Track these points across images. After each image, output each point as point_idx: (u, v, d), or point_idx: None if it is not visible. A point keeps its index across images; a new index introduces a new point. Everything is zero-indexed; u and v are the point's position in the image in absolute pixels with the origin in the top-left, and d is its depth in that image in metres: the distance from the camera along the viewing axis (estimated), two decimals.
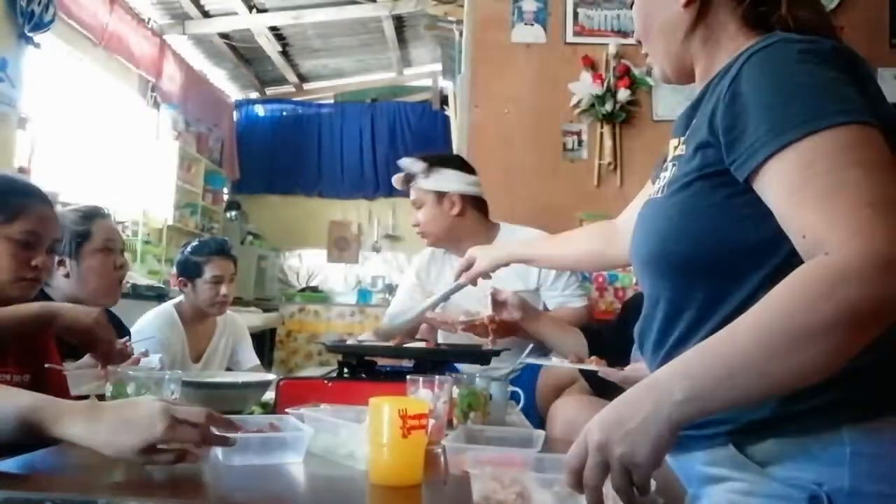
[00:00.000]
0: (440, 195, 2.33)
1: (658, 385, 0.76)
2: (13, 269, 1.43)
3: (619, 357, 1.70)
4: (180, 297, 2.58)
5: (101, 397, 1.37)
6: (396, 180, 2.43)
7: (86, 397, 1.31)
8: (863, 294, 0.69)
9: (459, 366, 1.93)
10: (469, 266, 1.73)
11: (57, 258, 1.88)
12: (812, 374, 0.72)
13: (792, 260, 0.81)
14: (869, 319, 0.70)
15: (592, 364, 1.62)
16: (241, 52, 6.42)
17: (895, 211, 0.72)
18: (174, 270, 2.70)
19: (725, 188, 0.86)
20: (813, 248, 0.75)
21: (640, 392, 0.76)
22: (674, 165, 0.95)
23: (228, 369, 2.64)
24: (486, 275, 1.74)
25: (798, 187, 0.77)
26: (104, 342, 1.41)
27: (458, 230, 2.34)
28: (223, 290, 2.50)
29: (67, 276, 1.88)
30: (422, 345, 1.87)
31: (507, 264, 1.72)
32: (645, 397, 0.75)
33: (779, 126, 0.79)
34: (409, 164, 2.35)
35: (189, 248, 2.58)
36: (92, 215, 1.97)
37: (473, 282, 1.76)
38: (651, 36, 1.03)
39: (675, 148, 0.98)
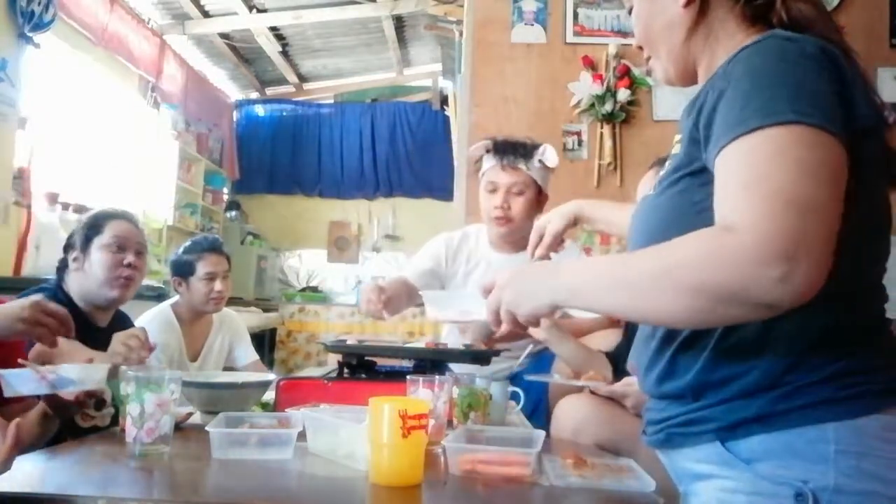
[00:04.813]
0: (541, 192, 2.22)
1: (559, 270, 0.91)
2: None
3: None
4: (176, 297, 2.58)
5: (57, 403, 1.29)
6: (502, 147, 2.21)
7: (24, 400, 1.26)
8: (735, 276, 0.73)
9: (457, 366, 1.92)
10: (540, 237, 1.53)
11: (72, 254, 1.93)
12: (665, 320, 0.83)
13: None
14: (734, 300, 0.74)
15: (583, 380, 1.62)
16: (241, 52, 6.41)
17: (809, 216, 0.73)
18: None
19: (710, 185, 0.86)
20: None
21: (546, 269, 0.94)
22: (670, 163, 0.97)
23: (227, 368, 2.64)
24: (560, 240, 1.56)
25: (731, 175, 0.79)
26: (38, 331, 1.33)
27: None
28: (217, 286, 2.50)
29: (78, 270, 1.92)
30: (422, 345, 1.87)
31: (575, 223, 1.55)
32: (545, 274, 0.93)
33: (736, 120, 0.80)
34: (552, 157, 2.20)
35: (181, 248, 2.61)
36: (108, 215, 2.00)
37: (547, 255, 1.57)
38: (652, 39, 1.03)
39: (675, 145, 1.00)
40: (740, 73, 0.84)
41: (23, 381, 1.21)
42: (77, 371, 1.25)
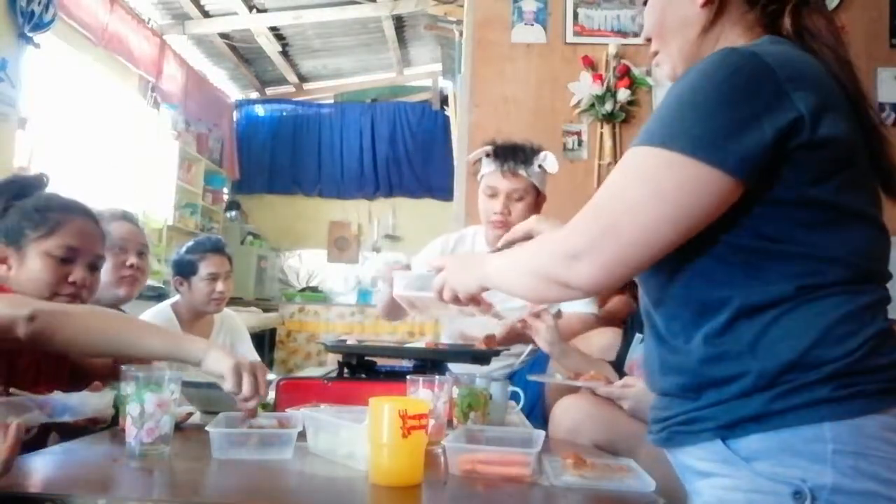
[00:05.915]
0: (539, 194, 2.21)
1: (484, 261, 1.13)
2: (50, 285, 1.41)
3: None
4: (177, 297, 2.58)
5: (63, 428, 1.25)
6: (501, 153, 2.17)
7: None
8: (549, 265, 0.92)
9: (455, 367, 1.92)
10: (527, 237, 1.34)
11: None
12: (524, 295, 1.08)
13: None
14: (550, 281, 0.93)
15: (582, 380, 1.62)
16: (241, 52, 6.41)
17: (607, 228, 0.86)
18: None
19: None
20: None
21: (477, 259, 1.18)
22: None
23: None
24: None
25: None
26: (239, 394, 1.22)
27: None
28: (219, 286, 2.50)
29: None
30: (422, 345, 1.87)
31: None
32: (476, 262, 1.14)
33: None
34: (553, 164, 2.18)
35: (184, 248, 2.59)
36: (109, 216, 1.99)
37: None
38: (665, 34, 1.02)
39: None
40: (676, 84, 0.88)
41: (19, 411, 1.11)
42: (76, 398, 1.21)
